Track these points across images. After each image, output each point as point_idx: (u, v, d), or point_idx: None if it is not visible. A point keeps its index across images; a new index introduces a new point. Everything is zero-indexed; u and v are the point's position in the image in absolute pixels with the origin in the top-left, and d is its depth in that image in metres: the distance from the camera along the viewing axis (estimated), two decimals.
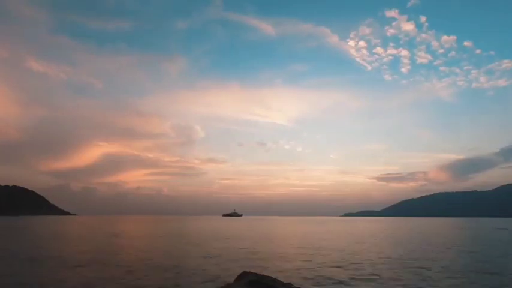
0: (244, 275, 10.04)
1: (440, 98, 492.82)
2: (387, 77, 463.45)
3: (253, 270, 10.79)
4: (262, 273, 10.23)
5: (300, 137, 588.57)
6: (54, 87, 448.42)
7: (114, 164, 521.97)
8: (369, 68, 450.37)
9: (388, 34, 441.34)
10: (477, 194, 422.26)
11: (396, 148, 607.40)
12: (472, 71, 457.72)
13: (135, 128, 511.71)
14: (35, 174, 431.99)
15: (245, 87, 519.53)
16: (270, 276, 9.82)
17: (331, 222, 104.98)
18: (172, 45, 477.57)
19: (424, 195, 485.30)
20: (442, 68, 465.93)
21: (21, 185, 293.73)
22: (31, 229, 53.10)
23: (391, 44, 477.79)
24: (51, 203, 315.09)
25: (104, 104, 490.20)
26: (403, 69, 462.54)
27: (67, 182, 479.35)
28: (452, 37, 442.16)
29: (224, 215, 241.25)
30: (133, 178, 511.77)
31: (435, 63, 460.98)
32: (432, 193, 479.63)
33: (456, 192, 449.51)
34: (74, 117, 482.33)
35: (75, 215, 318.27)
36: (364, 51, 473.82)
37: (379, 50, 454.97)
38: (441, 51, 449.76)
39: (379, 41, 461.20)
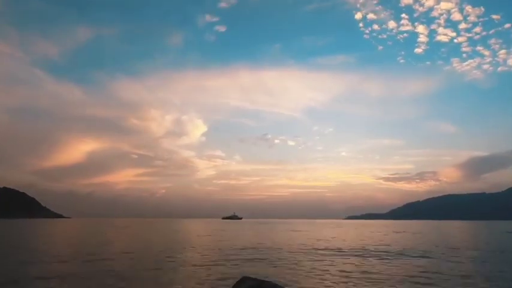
0: (243, 280, 9.89)
1: (463, 84, 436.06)
2: (400, 59, 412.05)
3: (253, 276, 10.62)
4: (263, 279, 10.07)
5: (308, 131, 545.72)
6: (22, 70, 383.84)
7: (102, 162, 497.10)
8: (380, 48, 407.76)
9: (402, 4, 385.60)
10: (486, 196, 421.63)
11: (413, 143, 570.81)
12: (500, 52, 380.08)
13: (121, 121, 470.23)
14: (19, 174, 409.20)
15: (250, 69, 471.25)
16: (271, 282, 9.67)
17: (329, 226, 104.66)
18: (167, 14, 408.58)
19: (430, 197, 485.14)
20: (465, 48, 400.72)
21: (10, 186, 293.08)
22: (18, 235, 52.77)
23: (405, 17, 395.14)
24: (43, 205, 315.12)
25: (84, 90, 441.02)
26: (419, 50, 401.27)
27: (56, 183, 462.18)
28: (479, 9, 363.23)
29: (224, 218, 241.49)
30: (124, 178, 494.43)
31: (457, 40, 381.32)
32: (439, 195, 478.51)
33: (464, 194, 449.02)
34: (50, 107, 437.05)
35: (68, 217, 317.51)
36: (376, 26, 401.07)
37: (391, 24, 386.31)
38: (464, 26, 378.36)
39: (391, 12, 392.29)
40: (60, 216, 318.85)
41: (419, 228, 79.81)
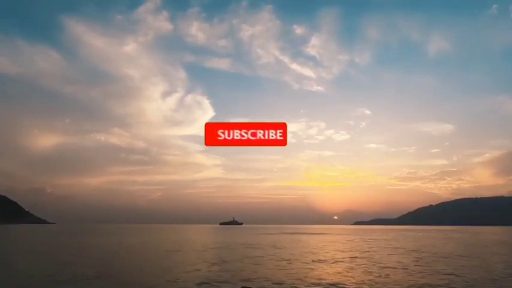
0: None
1: None
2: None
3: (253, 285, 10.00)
4: None
5: (335, 111, 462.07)
6: None
7: (79, 157, 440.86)
8: None
9: None
10: (504, 200, 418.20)
11: (462, 130, 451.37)
12: None
13: (100, 104, 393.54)
14: None
15: (282, 15, 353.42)
16: None
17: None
18: None
19: (444, 201, 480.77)
20: None
21: None
22: None
23: None
24: (26, 209, 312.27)
25: (53, 61, 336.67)
26: None
27: (31, 183, 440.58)
28: None
29: (222, 224, 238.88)
30: (108, 178, 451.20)
31: None
32: (454, 199, 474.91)
33: (481, 198, 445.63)
34: (10, 85, 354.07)
35: (53, 223, 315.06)
36: None
37: None
38: None
39: None
40: (44, 221, 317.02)
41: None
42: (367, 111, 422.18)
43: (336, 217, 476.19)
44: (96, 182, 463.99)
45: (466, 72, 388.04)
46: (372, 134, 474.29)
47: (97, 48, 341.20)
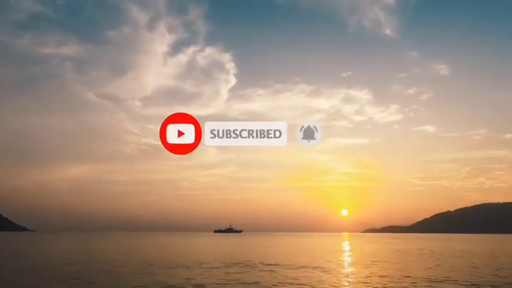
0: None
1: None
2: None
3: None
4: None
5: (397, 71, 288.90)
6: None
7: (40, 146, 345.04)
8: None
9: None
10: None
11: None
12: None
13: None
14: None
15: None
16: None
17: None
18: None
19: (462, 206, 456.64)
20: None
21: None
22: None
23: None
24: (4, 216, 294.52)
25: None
26: None
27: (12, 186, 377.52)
28: None
29: (216, 231, 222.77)
30: (84, 174, 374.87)
31: None
32: (475, 204, 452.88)
33: (503, 203, 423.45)
34: None
35: (33, 230, 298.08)
36: None
37: None
38: None
39: None
40: (24, 229, 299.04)
41: None
42: (445, 71, 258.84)
43: (344, 221, 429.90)
44: (67, 177, 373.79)
45: None
46: (435, 110, 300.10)
47: None
